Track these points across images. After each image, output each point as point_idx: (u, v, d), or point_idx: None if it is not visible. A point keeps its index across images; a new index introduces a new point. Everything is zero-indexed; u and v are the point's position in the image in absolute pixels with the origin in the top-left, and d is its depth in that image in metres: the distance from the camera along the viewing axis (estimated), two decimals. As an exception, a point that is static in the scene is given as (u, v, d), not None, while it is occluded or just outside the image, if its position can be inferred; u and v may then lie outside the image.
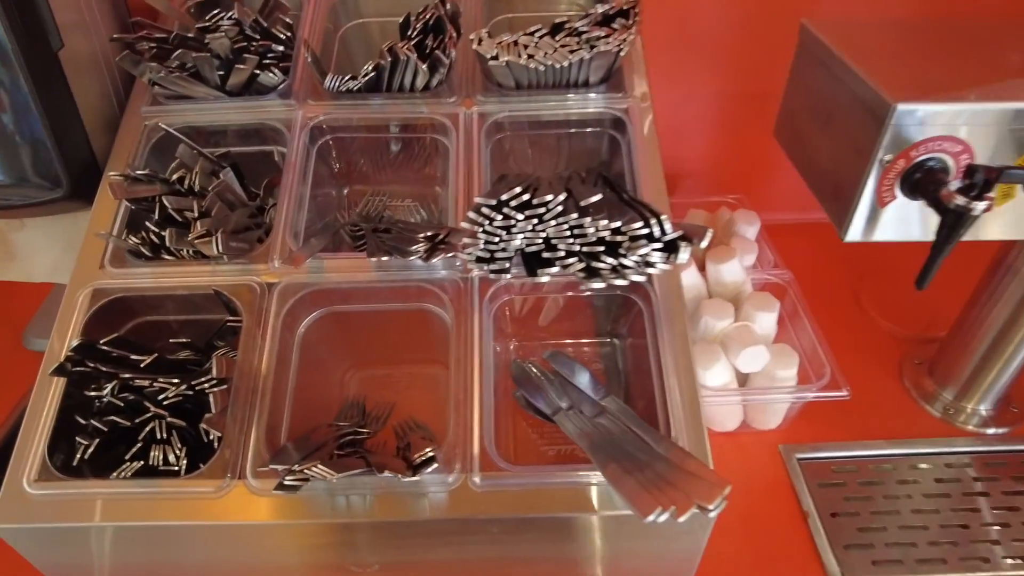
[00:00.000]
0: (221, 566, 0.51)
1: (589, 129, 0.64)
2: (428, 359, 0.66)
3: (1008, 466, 0.67)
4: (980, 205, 0.40)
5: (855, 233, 0.48)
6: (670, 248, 0.48)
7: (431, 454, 0.46)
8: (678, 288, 0.54)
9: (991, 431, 0.70)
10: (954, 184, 0.43)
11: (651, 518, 0.41)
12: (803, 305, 0.69)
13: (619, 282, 0.48)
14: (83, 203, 0.63)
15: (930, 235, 0.46)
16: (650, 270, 0.48)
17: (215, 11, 0.63)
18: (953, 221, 0.42)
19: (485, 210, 0.49)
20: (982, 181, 0.39)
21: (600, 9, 0.61)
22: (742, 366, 0.62)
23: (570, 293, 0.60)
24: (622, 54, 0.60)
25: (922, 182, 0.43)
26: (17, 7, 0.54)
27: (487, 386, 0.50)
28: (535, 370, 0.54)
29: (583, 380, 0.53)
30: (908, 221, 0.48)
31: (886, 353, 0.77)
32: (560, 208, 0.49)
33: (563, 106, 0.63)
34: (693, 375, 0.50)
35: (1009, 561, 0.59)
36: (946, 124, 0.42)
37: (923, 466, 0.67)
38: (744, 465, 0.67)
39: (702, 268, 0.70)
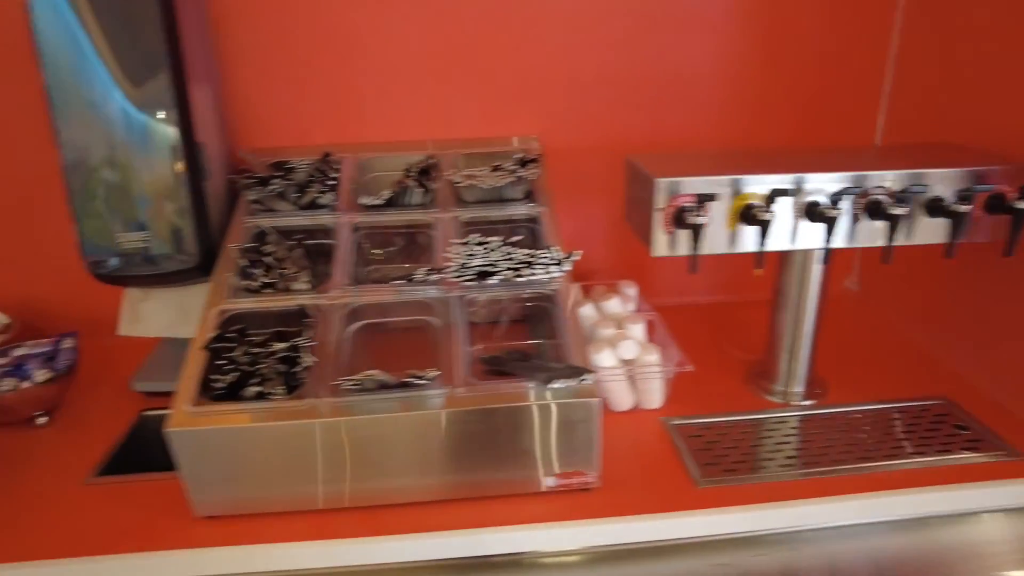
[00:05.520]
0: (296, 455, 0.85)
1: (519, 224, 1.13)
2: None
3: (812, 420, 1.07)
4: (700, 219, 0.88)
5: (659, 251, 0.95)
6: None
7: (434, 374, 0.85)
8: (565, 299, 0.98)
9: (807, 403, 1.11)
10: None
11: (553, 385, 0.82)
12: (665, 329, 1.13)
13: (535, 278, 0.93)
14: (204, 275, 1.06)
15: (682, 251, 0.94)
16: (553, 274, 0.94)
17: (283, 161, 1.15)
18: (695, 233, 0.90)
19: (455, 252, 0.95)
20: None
21: (517, 156, 1.15)
22: (622, 353, 1.03)
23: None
24: (531, 179, 1.11)
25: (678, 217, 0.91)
26: (190, 157, 1.03)
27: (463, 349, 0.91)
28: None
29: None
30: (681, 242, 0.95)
31: (735, 372, 1.20)
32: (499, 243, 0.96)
33: (501, 209, 1.12)
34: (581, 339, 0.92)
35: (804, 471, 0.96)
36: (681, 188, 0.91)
37: (762, 420, 1.06)
38: (637, 429, 1.05)
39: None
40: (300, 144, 1.24)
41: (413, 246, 1.16)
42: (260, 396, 0.84)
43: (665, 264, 1.39)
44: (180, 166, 1.02)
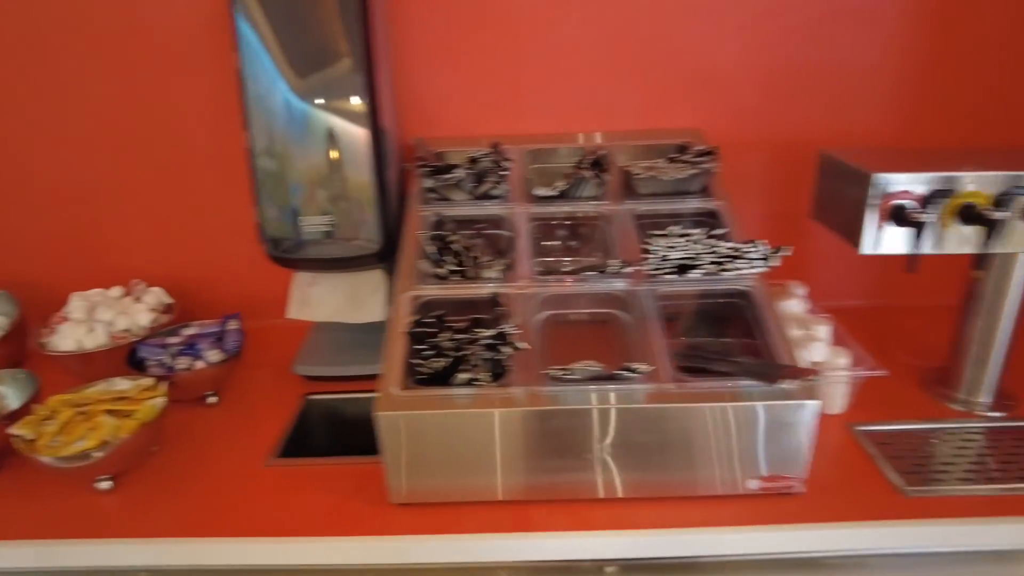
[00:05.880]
0: (503, 444, 0.85)
1: (690, 218, 1.11)
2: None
3: (1007, 432, 1.02)
4: (926, 216, 0.84)
5: (867, 248, 0.91)
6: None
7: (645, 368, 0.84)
8: (768, 296, 0.95)
9: (995, 414, 1.06)
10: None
11: (777, 385, 0.79)
12: (846, 331, 1.09)
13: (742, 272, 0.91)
14: (381, 261, 1.07)
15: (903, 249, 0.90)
16: (758, 269, 0.91)
17: (446, 151, 1.15)
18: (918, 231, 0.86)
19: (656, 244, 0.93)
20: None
21: (696, 148, 1.12)
22: (811, 355, 1.00)
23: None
24: (712, 172, 1.09)
25: (896, 214, 0.88)
26: (376, 145, 1.03)
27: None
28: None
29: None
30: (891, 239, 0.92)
31: (907, 378, 1.15)
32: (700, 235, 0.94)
33: (676, 203, 1.10)
34: (788, 339, 0.89)
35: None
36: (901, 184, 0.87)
37: (952, 429, 1.02)
38: (824, 434, 1.00)
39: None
40: (461, 134, 1.24)
41: (576, 237, 1.15)
42: (470, 383, 0.84)
43: (822, 265, 1.37)
44: (367, 153, 1.02)
